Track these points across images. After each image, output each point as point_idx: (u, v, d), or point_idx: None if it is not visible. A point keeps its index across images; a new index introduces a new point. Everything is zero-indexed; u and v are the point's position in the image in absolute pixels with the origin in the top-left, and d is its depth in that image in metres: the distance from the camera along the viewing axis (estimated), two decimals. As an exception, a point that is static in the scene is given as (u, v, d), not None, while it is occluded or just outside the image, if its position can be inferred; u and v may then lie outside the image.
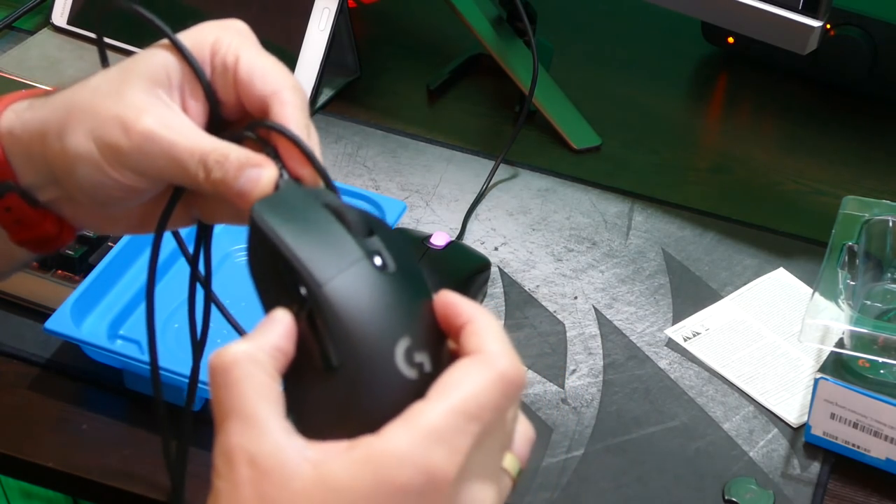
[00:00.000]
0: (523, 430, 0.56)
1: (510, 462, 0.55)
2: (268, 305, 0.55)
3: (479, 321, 0.55)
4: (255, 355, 0.52)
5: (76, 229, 0.67)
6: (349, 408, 0.52)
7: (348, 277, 0.53)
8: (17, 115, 0.63)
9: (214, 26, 0.62)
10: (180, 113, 0.60)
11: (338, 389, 0.52)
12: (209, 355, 0.52)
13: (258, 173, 0.58)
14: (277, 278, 0.54)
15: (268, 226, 0.54)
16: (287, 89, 0.60)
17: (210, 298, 0.68)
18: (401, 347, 0.52)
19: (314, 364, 0.53)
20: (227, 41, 0.61)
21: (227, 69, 0.60)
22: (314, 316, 0.52)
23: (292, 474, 0.49)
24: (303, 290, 0.53)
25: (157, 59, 0.60)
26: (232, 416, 0.51)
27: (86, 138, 0.60)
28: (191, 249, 0.67)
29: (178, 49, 0.60)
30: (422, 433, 0.50)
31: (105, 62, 0.65)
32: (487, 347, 0.53)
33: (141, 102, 0.59)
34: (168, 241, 0.98)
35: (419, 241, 1.01)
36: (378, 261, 0.54)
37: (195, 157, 0.58)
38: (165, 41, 0.60)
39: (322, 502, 0.49)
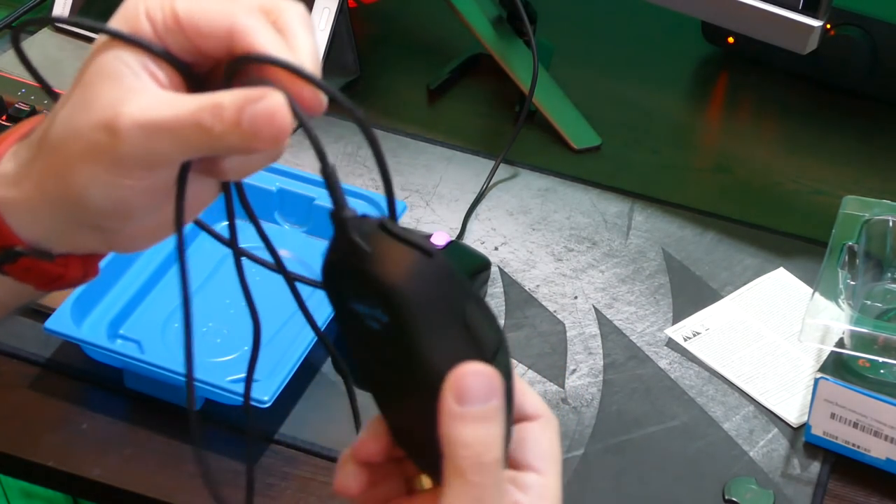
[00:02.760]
0: None
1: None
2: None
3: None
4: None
5: (101, 259, 0.64)
6: None
7: None
8: (8, 179, 0.59)
9: None
10: (154, 87, 0.55)
11: None
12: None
13: (264, 106, 0.52)
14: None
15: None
16: (239, 17, 0.54)
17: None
18: None
19: None
20: (157, 1, 0.55)
21: (170, 29, 0.55)
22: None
23: None
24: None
25: (106, 57, 0.55)
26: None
27: (82, 163, 0.55)
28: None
29: (113, 34, 0.55)
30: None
31: (47, 88, 0.63)
32: (546, 410, 0.58)
33: (114, 99, 0.54)
34: (168, 241, 0.98)
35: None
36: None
37: (189, 122, 0.53)
38: (101, 37, 0.56)
39: None
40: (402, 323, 0.50)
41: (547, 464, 0.55)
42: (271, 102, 0.52)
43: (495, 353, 0.52)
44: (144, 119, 0.53)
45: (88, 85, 0.55)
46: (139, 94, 0.54)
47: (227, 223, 0.61)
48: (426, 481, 0.55)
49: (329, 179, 0.52)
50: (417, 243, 0.52)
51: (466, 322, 0.51)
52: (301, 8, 0.56)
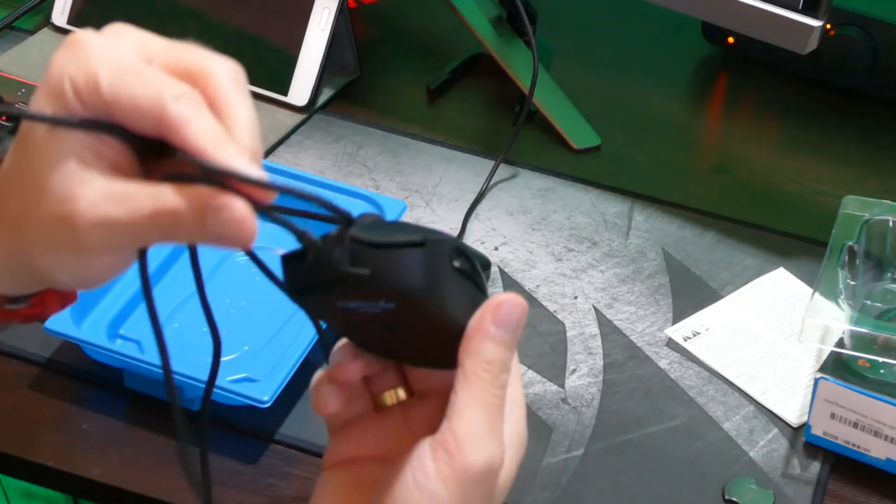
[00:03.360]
0: None
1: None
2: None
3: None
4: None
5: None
6: None
7: None
8: None
9: (59, 59, 0.52)
10: (99, 175, 0.52)
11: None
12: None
13: (230, 216, 0.50)
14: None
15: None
16: (169, 106, 0.50)
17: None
18: None
19: None
20: (78, 71, 0.51)
21: (97, 105, 0.51)
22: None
23: None
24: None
25: (43, 141, 0.52)
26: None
27: (48, 252, 0.54)
28: None
29: (45, 121, 0.52)
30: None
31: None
32: None
33: (60, 191, 0.51)
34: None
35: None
36: None
37: (146, 224, 0.51)
38: (27, 123, 0.53)
39: None
40: (415, 309, 0.54)
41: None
42: (236, 212, 0.50)
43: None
44: (100, 218, 0.51)
45: (34, 170, 0.53)
46: (88, 187, 0.51)
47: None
48: (389, 398, 0.60)
49: (307, 244, 0.54)
50: (405, 242, 0.53)
51: (466, 276, 0.56)
52: (230, 67, 0.53)
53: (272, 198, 0.52)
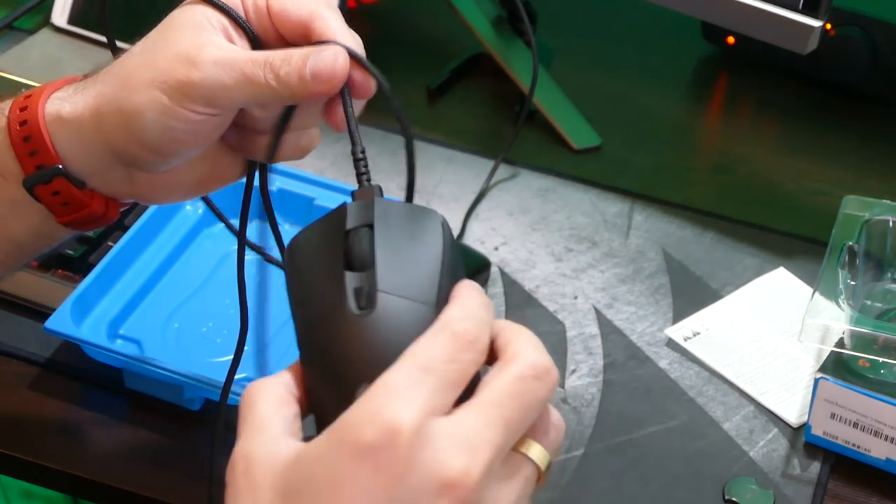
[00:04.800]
0: (555, 421, 0.56)
1: (537, 452, 0.54)
2: None
3: (458, 298, 0.56)
4: (274, 386, 0.57)
5: (122, 206, 0.70)
6: None
7: (323, 324, 0.57)
8: (63, 100, 0.66)
9: None
10: (228, 44, 0.65)
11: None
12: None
13: (329, 52, 0.64)
14: None
15: (286, 262, 0.59)
16: (321, 7, 0.65)
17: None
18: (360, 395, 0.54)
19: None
20: None
21: (259, 6, 0.65)
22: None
23: (277, 459, 0.53)
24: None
25: (192, 12, 0.64)
26: (243, 429, 0.55)
27: (148, 88, 0.63)
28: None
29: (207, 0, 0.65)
30: (376, 392, 0.51)
31: (114, 49, 0.69)
32: (445, 314, 0.55)
33: (197, 40, 0.63)
34: (168, 240, 0.98)
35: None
36: (357, 303, 0.56)
37: (259, 63, 0.63)
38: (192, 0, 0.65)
39: (298, 474, 0.52)
40: None
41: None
42: (336, 47, 0.64)
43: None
44: (222, 56, 0.63)
45: (171, 30, 0.64)
46: (218, 44, 0.64)
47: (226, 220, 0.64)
48: None
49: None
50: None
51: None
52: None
53: (372, 88, 0.69)
